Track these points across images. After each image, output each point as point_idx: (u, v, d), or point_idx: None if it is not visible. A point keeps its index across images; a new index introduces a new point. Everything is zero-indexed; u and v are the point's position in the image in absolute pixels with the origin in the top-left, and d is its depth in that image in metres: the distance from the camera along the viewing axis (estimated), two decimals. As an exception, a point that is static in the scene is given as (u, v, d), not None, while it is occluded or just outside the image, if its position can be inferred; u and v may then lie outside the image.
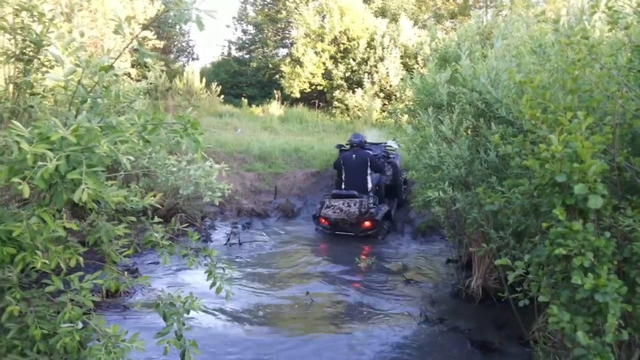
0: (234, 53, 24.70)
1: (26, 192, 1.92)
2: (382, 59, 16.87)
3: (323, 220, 7.56)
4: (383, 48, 16.98)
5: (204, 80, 17.25)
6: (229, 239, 7.33)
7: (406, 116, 6.15)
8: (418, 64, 15.51)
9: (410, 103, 5.64)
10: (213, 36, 55.09)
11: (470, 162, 4.18)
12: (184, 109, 14.93)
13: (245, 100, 18.34)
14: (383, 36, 17.16)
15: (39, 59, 2.42)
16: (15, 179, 1.93)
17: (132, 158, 2.07)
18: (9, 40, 2.34)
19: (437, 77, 4.44)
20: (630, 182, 2.81)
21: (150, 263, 6.16)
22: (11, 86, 2.47)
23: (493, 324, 4.58)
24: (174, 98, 15.93)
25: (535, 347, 3.18)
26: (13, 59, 2.37)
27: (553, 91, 3.07)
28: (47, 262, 2.18)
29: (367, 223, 7.40)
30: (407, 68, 16.47)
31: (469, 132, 4.55)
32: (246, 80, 22.23)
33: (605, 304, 2.31)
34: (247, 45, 24.56)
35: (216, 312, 4.74)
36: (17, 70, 2.42)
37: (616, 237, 2.64)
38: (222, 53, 25.08)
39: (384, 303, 5.15)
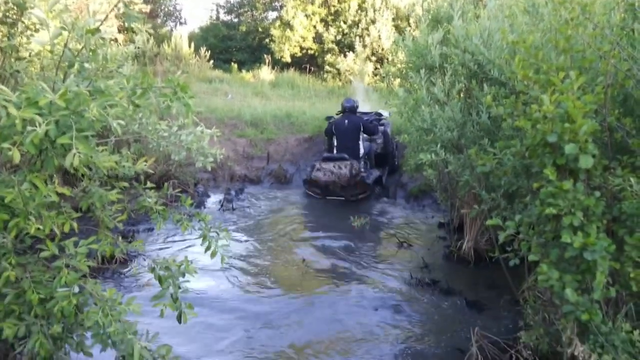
0: (223, 17, 24.20)
1: (16, 157, 1.91)
2: (373, 22, 16.62)
3: (314, 184, 7.54)
4: (374, 10, 16.71)
5: (192, 45, 16.96)
6: (222, 205, 7.35)
7: (398, 79, 6.09)
8: (410, 26, 15.31)
9: (403, 66, 5.58)
10: (200, -1, 53.74)
11: (462, 124, 4.17)
12: (173, 74, 14.65)
13: (235, 66, 18.08)
14: (374, -2, 16.88)
15: (23, 22, 2.36)
16: (5, 145, 1.92)
17: (122, 122, 2.05)
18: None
19: (430, 38, 4.39)
20: (621, 142, 2.83)
21: (144, 230, 6.18)
22: (-3, 51, 2.42)
23: (484, 284, 4.67)
24: (162, 64, 15.66)
25: (525, 305, 3.25)
26: (-4, 22, 2.31)
27: (546, 51, 3.05)
28: (40, 227, 2.19)
29: (358, 186, 7.40)
30: (399, 30, 16.25)
31: (462, 94, 4.53)
32: (235, 44, 21.84)
33: (594, 261, 2.35)
34: (235, 8, 24.01)
35: (210, 278, 4.79)
36: (1, 34, 2.36)
37: (606, 197, 2.68)
38: (211, 17, 24.58)
39: (377, 266, 5.23)
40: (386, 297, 4.43)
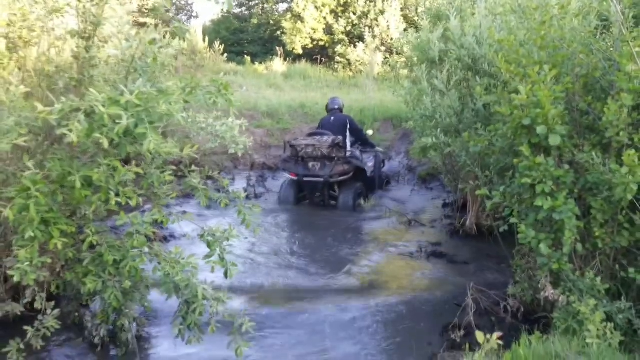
0: (234, 10, 24.68)
1: (105, 144, 2.48)
2: (382, 12, 17.02)
3: (291, 158, 7.24)
4: (383, 0, 17.10)
5: (206, 39, 17.44)
6: (246, 191, 7.95)
7: (404, 71, 6.61)
8: (418, 16, 15.71)
9: (407, 60, 6.09)
10: (211, -8, 54.07)
11: (460, 111, 4.69)
12: (190, 69, 15.28)
13: (248, 58, 18.54)
14: (383, -12, 17.26)
15: (97, 36, 2.93)
16: (96, 134, 2.49)
17: (185, 116, 2.61)
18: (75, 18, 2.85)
19: (430, 35, 4.90)
20: (591, 124, 3.34)
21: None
22: (74, 60, 2.99)
23: (485, 254, 5.20)
24: (177, 58, 16.16)
25: (515, 267, 3.78)
26: (77, 37, 2.88)
27: (528, 47, 3.55)
28: (119, 200, 2.76)
29: (337, 165, 6.94)
30: (408, 21, 16.65)
31: (461, 84, 5.03)
32: (247, 37, 22.34)
33: (562, 221, 2.89)
34: (246, 1, 24.52)
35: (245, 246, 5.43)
36: (79, 47, 2.93)
37: (577, 170, 3.20)
38: (222, 10, 25.07)
39: (386, 241, 5.79)
40: (394, 265, 5.01)
